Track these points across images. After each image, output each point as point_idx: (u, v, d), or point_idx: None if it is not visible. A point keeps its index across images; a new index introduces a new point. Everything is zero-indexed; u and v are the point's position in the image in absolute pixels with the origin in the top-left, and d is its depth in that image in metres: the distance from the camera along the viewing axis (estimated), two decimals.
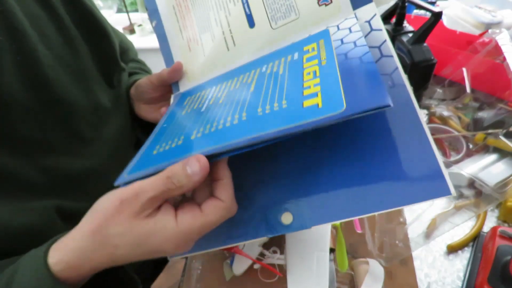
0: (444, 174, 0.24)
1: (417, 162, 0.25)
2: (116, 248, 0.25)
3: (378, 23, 0.31)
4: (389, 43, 0.30)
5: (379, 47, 0.30)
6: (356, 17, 0.32)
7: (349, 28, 0.31)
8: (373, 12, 0.32)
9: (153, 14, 0.44)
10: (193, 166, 0.24)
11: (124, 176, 0.28)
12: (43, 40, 0.36)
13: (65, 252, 0.25)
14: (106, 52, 0.45)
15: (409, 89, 0.27)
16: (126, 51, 0.56)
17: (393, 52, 0.29)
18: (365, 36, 0.31)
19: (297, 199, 0.29)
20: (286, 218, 0.29)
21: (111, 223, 0.24)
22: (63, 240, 0.26)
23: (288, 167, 0.31)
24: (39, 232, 0.33)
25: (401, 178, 0.25)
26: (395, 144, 0.27)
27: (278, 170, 0.31)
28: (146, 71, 0.57)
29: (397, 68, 0.28)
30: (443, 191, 0.24)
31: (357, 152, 0.28)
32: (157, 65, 0.71)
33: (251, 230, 0.30)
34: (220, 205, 0.25)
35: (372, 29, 0.31)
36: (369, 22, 0.31)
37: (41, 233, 0.31)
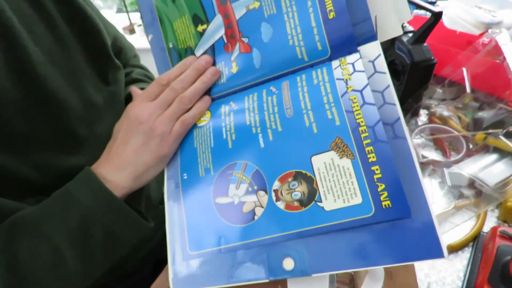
0: (438, 235, 0.25)
1: (414, 221, 0.26)
2: None
3: (382, 64, 0.30)
4: (392, 89, 0.29)
5: (382, 92, 0.29)
6: (360, 54, 0.30)
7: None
8: (377, 51, 0.30)
9: (150, 27, 0.40)
10: None
11: None
12: (33, 37, 0.35)
13: None
14: (99, 49, 0.45)
15: (410, 142, 0.27)
16: (122, 50, 0.56)
17: (395, 100, 0.29)
18: (368, 78, 0.30)
19: (299, 246, 0.29)
20: (288, 264, 0.29)
21: None
22: None
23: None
24: None
25: (397, 235, 0.26)
26: None
27: None
28: (151, 78, 0.58)
29: (399, 118, 0.28)
30: (437, 254, 0.25)
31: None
32: None
33: (253, 273, 0.30)
34: None
35: (375, 71, 0.30)
36: (373, 62, 0.30)
37: None
